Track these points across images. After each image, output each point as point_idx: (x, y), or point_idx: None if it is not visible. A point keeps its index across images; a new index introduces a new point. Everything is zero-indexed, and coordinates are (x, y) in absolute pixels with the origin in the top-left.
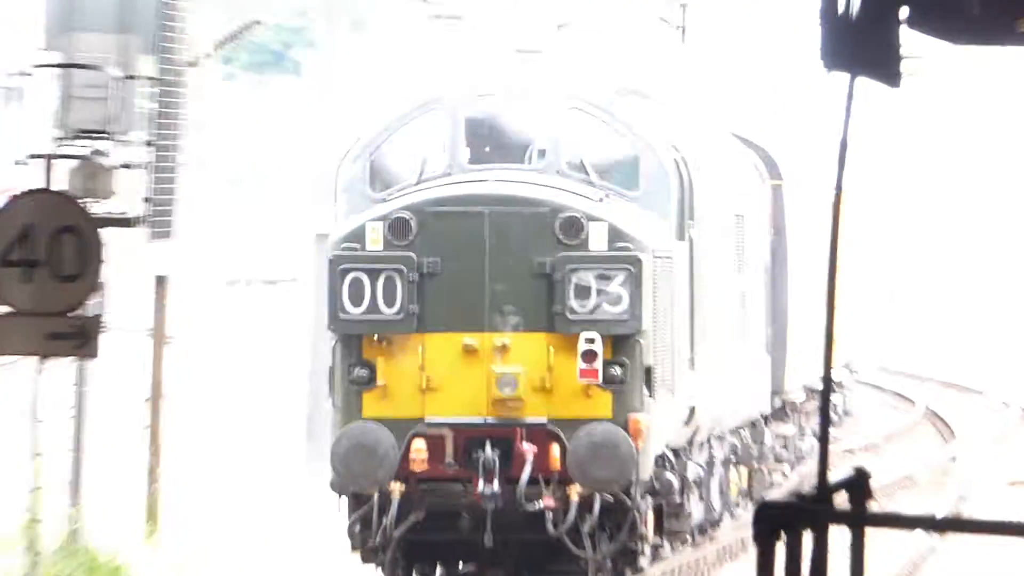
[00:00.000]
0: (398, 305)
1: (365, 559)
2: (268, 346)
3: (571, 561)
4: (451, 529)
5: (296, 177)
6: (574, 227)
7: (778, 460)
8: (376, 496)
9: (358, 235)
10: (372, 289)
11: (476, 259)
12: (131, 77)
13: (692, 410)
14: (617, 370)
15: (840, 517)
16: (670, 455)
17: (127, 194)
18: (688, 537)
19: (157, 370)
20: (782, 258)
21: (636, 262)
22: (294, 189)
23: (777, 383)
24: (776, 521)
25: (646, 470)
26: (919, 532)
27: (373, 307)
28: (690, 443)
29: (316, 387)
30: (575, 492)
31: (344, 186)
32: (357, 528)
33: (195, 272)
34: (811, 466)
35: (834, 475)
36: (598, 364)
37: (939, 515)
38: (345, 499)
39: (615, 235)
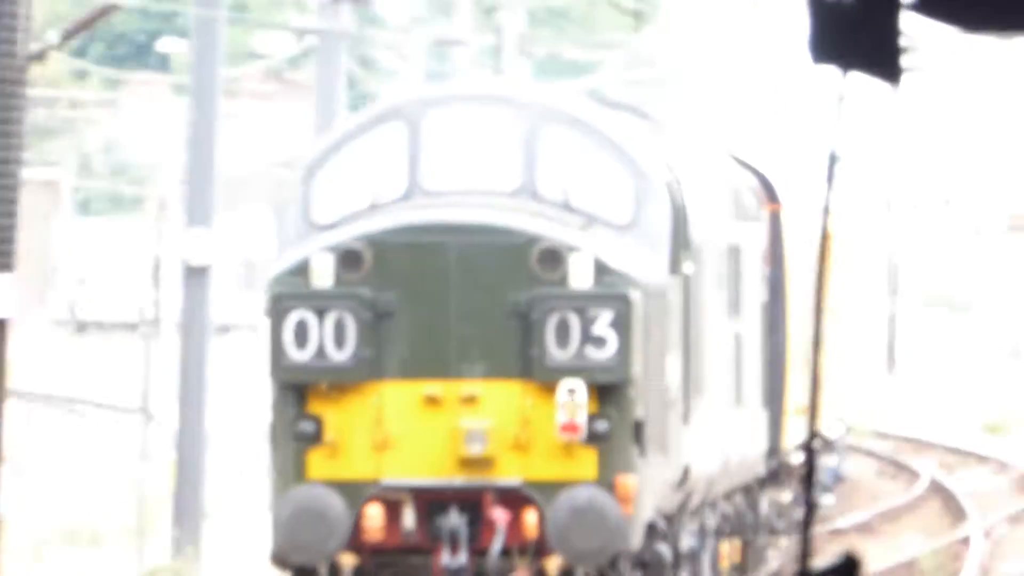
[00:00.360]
0: (350, 349)
1: None
2: (128, 403)
3: None
4: None
5: (164, 198)
6: (553, 259)
7: (773, 532)
8: (325, 570)
9: (302, 269)
10: (319, 331)
11: (440, 296)
12: None
13: (686, 471)
14: (603, 424)
15: None
16: (661, 523)
17: None
18: None
19: None
20: (780, 296)
21: (625, 300)
22: (161, 212)
23: (774, 442)
24: None
25: (635, 540)
26: None
27: (321, 352)
28: (682, 509)
29: (190, 474)
30: (554, 565)
31: (281, 212)
32: None
33: (40, 314)
34: (794, 546)
35: (820, 560)
36: (581, 417)
37: None
38: (288, 573)
39: (601, 269)
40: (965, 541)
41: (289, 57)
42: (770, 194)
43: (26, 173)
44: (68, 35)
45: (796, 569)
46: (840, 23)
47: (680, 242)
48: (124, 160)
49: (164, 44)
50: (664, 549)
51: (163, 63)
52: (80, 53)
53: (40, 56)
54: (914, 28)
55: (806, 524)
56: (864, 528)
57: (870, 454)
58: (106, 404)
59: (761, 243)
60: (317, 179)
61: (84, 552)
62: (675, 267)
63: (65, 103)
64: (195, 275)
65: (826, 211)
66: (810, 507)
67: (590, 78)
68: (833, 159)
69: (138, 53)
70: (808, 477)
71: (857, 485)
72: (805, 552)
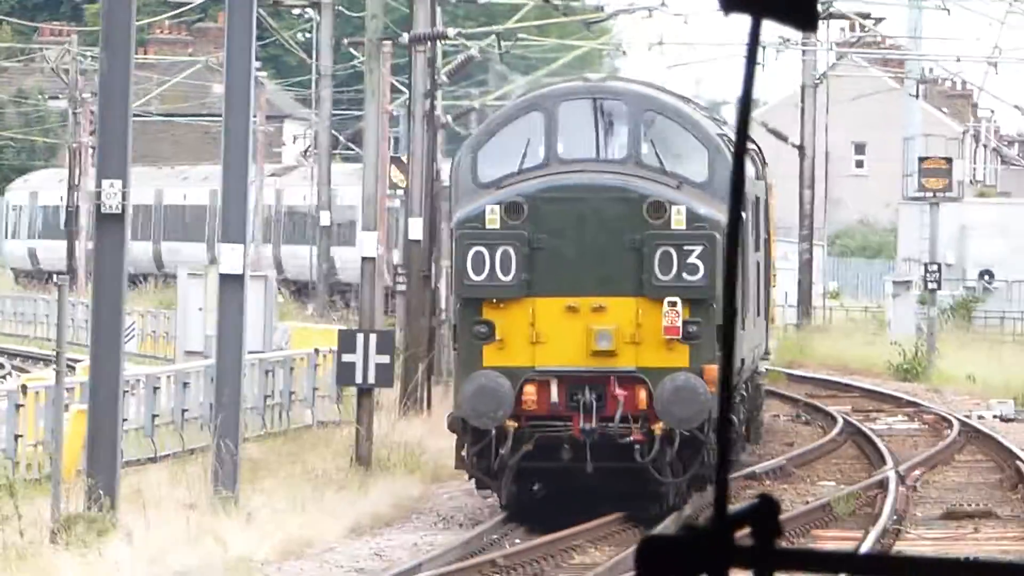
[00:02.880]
0: (512, 273)
1: (479, 486)
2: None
3: (654, 485)
4: (555, 459)
5: (77, 148)
6: (659, 210)
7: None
8: (494, 431)
9: (479, 216)
10: (491, 260)
11: (577, 236)
12: None
13: (742, 362)
14: (694, 328)
15: (742, 556)
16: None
17: None
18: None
19: None
20: (768, 236)
21: (711, 239)
22: (75, 162)
23: (766, 343)
24: (664, 560)
25: (716, 411)
26: (840, 574)
27: (492, 275)
28: (735, 390)
29: (105, 422)
30: (659, 428)
31: (455, 177)
32: (475, 459)
33: None
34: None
35: (735, 504)
36: (679, 323)
37: (863, 552)
38: (459, 435)
39: (692, 216)
40: (881, 485)
41: (200, 5)
42: (760, 155)
43: None
44: None
45: (712, 514)
46: None
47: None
48: (37, 110)
49: None
50: (732, 417)
51: (76, 13)
52: None
53: None
54: None
55: (721, 469)
56: (779, 473)
57: (785, 398)
58: (22, 353)
59: (762, 194)
60: (481, 152)
61: None
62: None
63: None
64: (108, 222)
65: (738, 157)
66: (726, 452)
67: (503, 24)
68: (746, 101)
69: (50, 3)
70: (722, 425)
71: (772, 430)
72: (721, 497)
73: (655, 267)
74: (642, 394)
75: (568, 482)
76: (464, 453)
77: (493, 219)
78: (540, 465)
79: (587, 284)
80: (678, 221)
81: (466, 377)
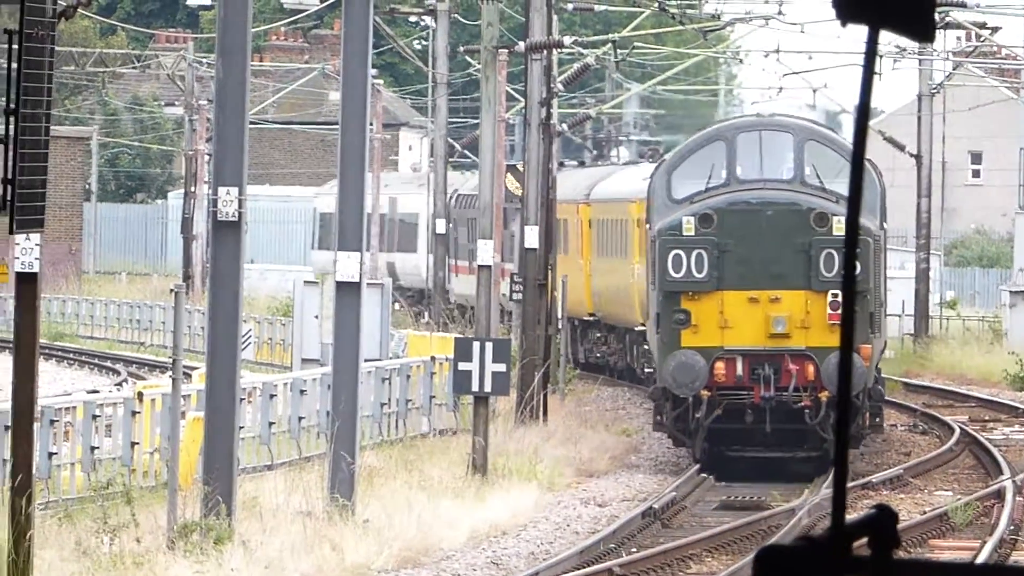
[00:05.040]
0: (705, 271)
1: (676, 443)
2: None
3: (820, 443)
4: (740, 421)
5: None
6: (823, 220)
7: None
8: (691, 399)
9: (677, 225)
10: (687, 261)
11: (757, 241)
12: None
13: (886, 343)
14: None
15: (860, 567)
16: (877, 373)
17: None
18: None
19: None
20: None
21: (866, 243)
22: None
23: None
24: (782, 570)
25: (870, 381)
26: None
27: (688, 273)
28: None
29: (222, 428)
30: (825, 396)
31: (652, 194)
32: (673, 422)
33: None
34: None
35: (852, 514)
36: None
37: (980, 562)
38: (658, 403)
39: None
40: (998, 495)
41: (316, 12)
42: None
43: (55, 130)
44: None
45: (830, 524)
46: None
47: (883, 210)
48: (152, 117)
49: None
50: (880, 388)
51: (192, 19)
52: (108, 9)
53: (68, 13)
54: None
55: (840, 479)
56: (896, 483)
57: (902, 408)
58: (138, 360)
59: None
60: (674, 174)
61: (116, 508)
62: (881, 225)
63: (93, 60)
64: (225, 229)
65: (857, 165)
66: (843, 461)
67: (619, 32)
68: (864, 110)
69: (166, 9)
70: (841, 431)
71: (889, 439)
72: (838, 507)
73: (820, 266)
74: (811, 368)
75: (752, 440)
76: (660, 418)
77: (689, 227)
78: (727, 426)
79: (765, 280)
80: (839, 229)
81: (668, 355)
